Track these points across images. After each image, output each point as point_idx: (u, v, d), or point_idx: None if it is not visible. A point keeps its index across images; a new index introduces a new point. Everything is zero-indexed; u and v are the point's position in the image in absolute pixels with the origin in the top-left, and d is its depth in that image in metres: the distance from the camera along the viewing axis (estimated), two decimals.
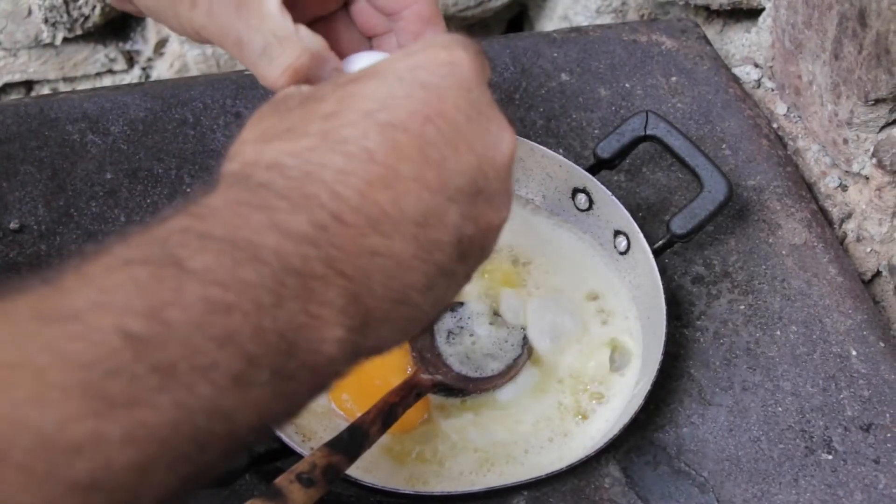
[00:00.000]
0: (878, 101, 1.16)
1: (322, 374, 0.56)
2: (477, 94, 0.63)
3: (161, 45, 1.62)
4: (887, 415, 1.05)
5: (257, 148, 0.61)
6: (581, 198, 1.14)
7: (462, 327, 1.06)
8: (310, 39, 0.76)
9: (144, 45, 1.63)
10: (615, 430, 0.96)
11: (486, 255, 0.67)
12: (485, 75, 0.65)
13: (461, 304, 1.08)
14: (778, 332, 1.11)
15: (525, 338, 1.06)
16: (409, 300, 0.60)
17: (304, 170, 0.58)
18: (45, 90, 1.65)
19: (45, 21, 1.52)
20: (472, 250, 0.64)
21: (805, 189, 1.25)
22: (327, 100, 0.62)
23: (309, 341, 0.54)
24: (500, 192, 0.64)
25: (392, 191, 0.58)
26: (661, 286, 1.04)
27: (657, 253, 1.08)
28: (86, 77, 1.65)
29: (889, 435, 1.04)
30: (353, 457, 0.88)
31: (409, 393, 0.97)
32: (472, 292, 1.09)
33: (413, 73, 0.62)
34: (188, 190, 1.15)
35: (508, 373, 1.04)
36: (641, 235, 1.07)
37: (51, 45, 1.56)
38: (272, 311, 0.52)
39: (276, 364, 0.52)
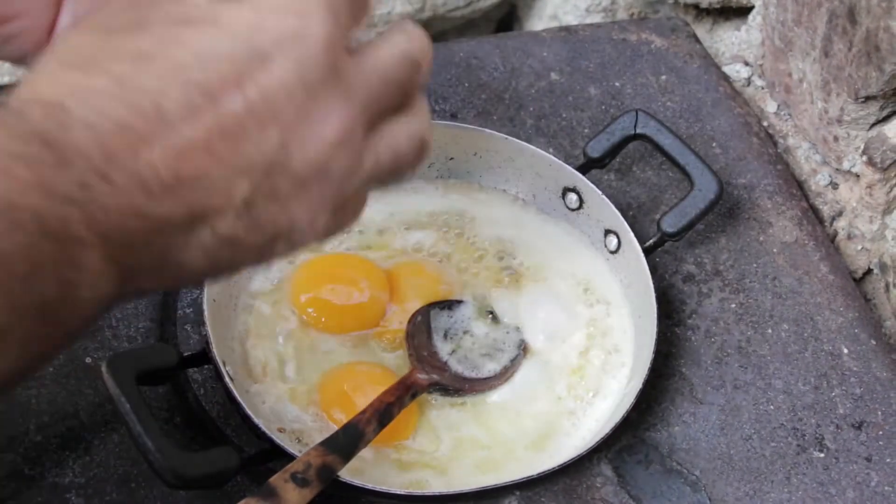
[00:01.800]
0: (868, 99, 1.16)
1: (77, 326, 0.55)
2: (311, 71, 0.59)
3: None
4: (879, 412, 1.05)
5: (48, 76, 0.57)
6: (571, 197, 1.13)
7: (459, 327, 1.06)
8: None
9: None
10: (607, 430, 0.96)
11: (304, 239, 0.63)
12: (337, 44, 0.60)
13: (459, 302, 1.07)
14: (769, 331, 1.11)
15: (522, 339, 1.06)
16: (176, 262, 0.58)
17: (83, 116, 0.54)
18: None
19: None
20: (264, 220, 0.60)
21: (796, 187, 1.25)
22: (150, 33, 0.58)
23: (63, 304, 0.53)
24: (309, 174, 0.60)
25: (172, 155, 0.55)
26: (651, 285, 1.04)
27: (648, 252, 1.08)
28: None
29: (881, 433, 1.04)
30: (348, 456, 0.88)
31: (405, 392, 0.96)
32: (466, 292, 1.09)
33: (250, 34, 0.58)
34: None
35: (505, 374, 1.04)
36: (632, 234, 1.07)
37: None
38: (26, 280, 0.50)
39: (27, 329, 0.52)
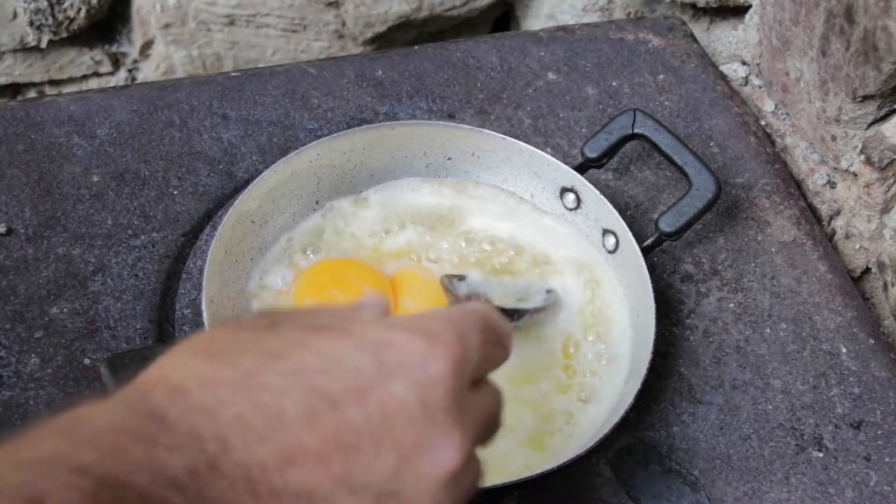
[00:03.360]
0: (865, 98, 1.16)
1: None
2: (435, 398, 0.58)
3: (147, 46, 1.62)
4: (878, 412, 1.05)
5: (178, 361, 0.58)
6: (569, 197, 1.13)
7: (483, 288, 1.06)
8: None
9: (130, 47, 1.62)
10: (605, 430, 0.96)
11: None
12: (460, 378, 0.60)
13: (463, 277, 1.07)
14: (768, 330, 1.11)
15: (546, 284, 1.09)
16: None
17: (204, 403, 0.54)
18: (32, 93, 1.65)
19: (31, 24, 1.51)
20: None
21: (793, 186, 1.25)
22: (280, 337, 0.59)
23: None
24: (422, 502, 0.58)
25: (285, 459, 0.54)
26: (650, 285, 1.03)
27: (646, 251, 1.08)
28: (72, 80, 1.64)
29: (880, 432, 1.04)
30: None
31: None
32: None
33: (378, 350, 0.58)
34: (175, 192, 1.15)
35: (551, 298, 1.07)
36: (630, 234, 1.07)
37: (36, 48, 1.56)
38: None
39: None
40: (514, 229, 1.15)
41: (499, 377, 1.02)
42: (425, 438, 0.57)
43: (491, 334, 0.64)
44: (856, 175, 1.22)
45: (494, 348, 0.64)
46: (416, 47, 1.35)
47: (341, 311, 0.63)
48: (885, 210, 1.20)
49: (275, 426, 0.54)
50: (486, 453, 0.98)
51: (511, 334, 0.67)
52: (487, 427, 0.65)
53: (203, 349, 0.58)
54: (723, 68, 1.40)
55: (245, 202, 1.06)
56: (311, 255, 1.09)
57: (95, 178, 1.15)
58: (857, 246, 1.25)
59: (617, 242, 1.10)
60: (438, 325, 0.61)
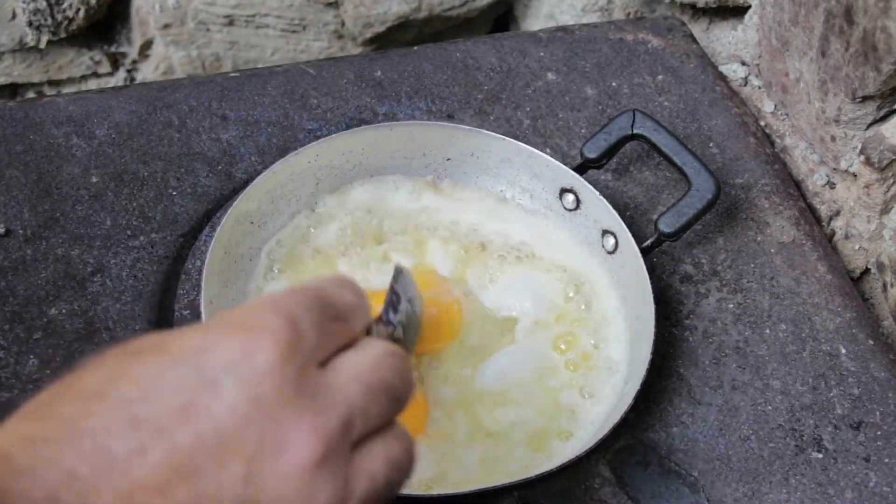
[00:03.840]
0: (865, 99, 1.15)
1: None
2: (269, 390, 0.54)
3: (146, 47, 1.62)
4: (877, 412, 1.05)
5: (5, 427, 0.54)
6: (568, 197, 1.13)
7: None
8: None
9: (130, 47, 1.62)
10: (604, 430, 0.96)
11: None
12: (294, 361, 0.55)
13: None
14: (767, 331, 1.10)
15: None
16: None
17: (29, 467, 0.50)
18: (30, 94, 1.64)
19: (30, 24, 1.51)
20: None
21: (793, 187, 1.25)
22: (98, 372, 0.55)
23: None
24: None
25: (123, 502, 0.50)
26: (649, 285, 1.03)
27: (645, 252, 1.07)
28: (71, 80, 1.64)
29: (879, 433, 1.04)
30: None
31: None
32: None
33: (196, 357, 0.54)
34: (174, 193, 1.15)
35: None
36: (629, 235, 1.07)
37: (35, 48, 1.55)
38: None
39: None
40: (502, 227, 1.15)
41: (499, 377, 1.03)
42: (268, 435, 0.53)
43: (329, 309, 0.59)
44: (855, 176, 1.22)
45: (335, 323, 0.59)
46: (415, 48, 1.35)
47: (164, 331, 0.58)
48: (885, 211, 1.20)
49: (104, 472, 0.51)
50: (485, 453, 0.98)
51: (358, 307, 0.62)
52: (406, 450, 0.60)
53: (29, 410, 0.55)
54: (722, 69, 1.40)
55: (244, 203, 1.06)
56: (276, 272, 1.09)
57: (94, 179, 1.15)
58: (857, 246, 1.25)
59: (616, 243, 1.10)
60: (257, 313, 0.56)
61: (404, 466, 0.60)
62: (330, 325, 0.59)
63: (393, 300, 0.72)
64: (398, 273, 0.75)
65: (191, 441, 0.52)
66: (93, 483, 0.51)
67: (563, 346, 1.06)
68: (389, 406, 0.59)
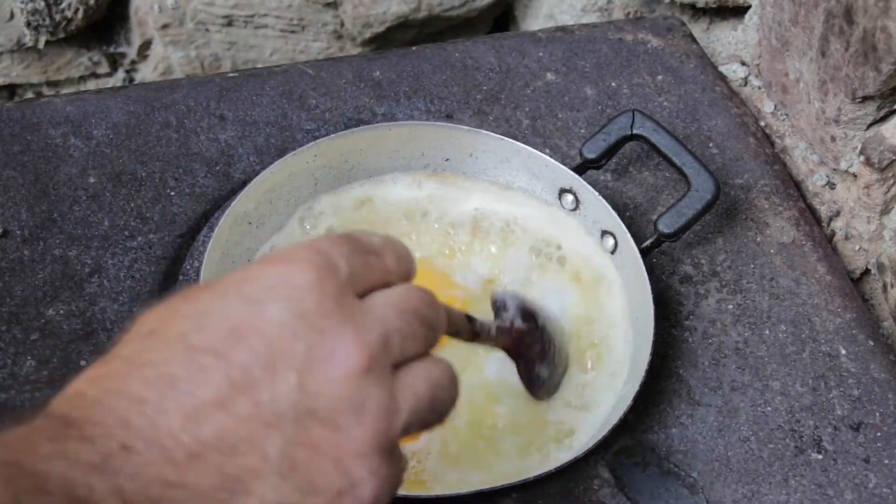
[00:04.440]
0: (865, 99, 1.15)
1: None
2: (311, 305, 0.59)
3: (145, 47, 1.62)
4: (877, 414, 1.05)
5: (73, 380, 0.59)
6: (568, 198, 1.13)
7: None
8: None
9: (128, 47, 1.62)
10: (604, 432, 0.96)
11: (372, 493, 0.59)
12: (331, 282, 0.60)
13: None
14: (767, 332, 1.10)
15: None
16: None
17: (99, 398, 0.56)
18: (29, 94, 1.64)
19: (28, 25, 1.51)
20: (316, 477, 0.58)
21: (793, 187, 1.25)
22: (154, 315, 0.60)
23: None
24: (342, 410, 0.58)
25: (188, 418, 0.56)
26: (649, 286, 1.03)
27: (645, 253, 1.07)
28: (69, 81, 1.64)
29: (879, 434, 1.03)
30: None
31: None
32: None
33: (239, 288, 0.59)
34: (171, 193, 1.14)
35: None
36: (629, 235, 1.07)
37: (34, 48, 1.55)
38: None
39: None
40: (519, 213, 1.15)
41: (500, 374, 1.03)
42: (315, 345, 0.58)
43: (357, 244, 0.64)
44: (855, 176, 1.22)
45: (367, 256, 0.64)
46: (414, 48, 1.35)
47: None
48: (885, 211, 1.20)
49: (168, 394, 0.56)
50: (485, 454, 0.98)
51: (389, 247, 0.66)
52: (446, 374, 0.64)
53: (98, 360, 0.60)
54: (722, 69, 1.40)
55: (242, 203, 1.06)
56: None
57: (92, 180, 1.15)
58: (857, 247, 1.24)
59: (616, 244, 1.09)
60: (292, 250, 0.62)
61: (446, 386, 0.64)
62: (362, 257, 0.63)
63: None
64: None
65: (244, 358, 0.57)
66: (159, 405, 0.56)
67: (570, 351, 1.06)
68: (423, 332, 0.63)
